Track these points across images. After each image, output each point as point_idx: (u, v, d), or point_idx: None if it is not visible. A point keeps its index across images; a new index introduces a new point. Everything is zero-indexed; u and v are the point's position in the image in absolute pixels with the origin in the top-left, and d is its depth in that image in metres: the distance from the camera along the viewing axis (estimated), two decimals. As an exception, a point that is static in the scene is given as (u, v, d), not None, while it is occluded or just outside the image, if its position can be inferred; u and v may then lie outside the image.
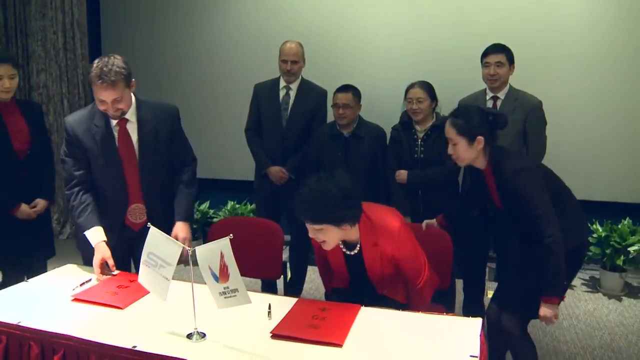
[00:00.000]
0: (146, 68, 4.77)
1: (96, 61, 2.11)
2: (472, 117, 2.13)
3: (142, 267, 1.82)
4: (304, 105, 3.44)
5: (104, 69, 2.07)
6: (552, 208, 2.05)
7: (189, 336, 1.71)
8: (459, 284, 3.09)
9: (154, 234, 1.78)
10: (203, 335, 1.71)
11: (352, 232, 1.95)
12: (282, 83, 3.48)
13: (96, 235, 2.24)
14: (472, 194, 2.57)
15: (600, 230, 3.77)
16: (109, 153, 2.27)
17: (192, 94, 4.71)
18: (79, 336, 1.71)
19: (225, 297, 1.71)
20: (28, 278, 2.48)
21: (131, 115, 2.27)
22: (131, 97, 2.26)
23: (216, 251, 1.66)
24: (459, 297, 3.07)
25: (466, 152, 2.14)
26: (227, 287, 1.69)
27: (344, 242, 2.04)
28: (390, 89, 4.04)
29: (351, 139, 3.24)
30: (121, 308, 1.93)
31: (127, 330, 1.76)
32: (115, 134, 2.27)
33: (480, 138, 2.11)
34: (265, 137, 3.45)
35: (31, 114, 2.87)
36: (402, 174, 3.15)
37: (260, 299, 1.94)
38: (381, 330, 1.77)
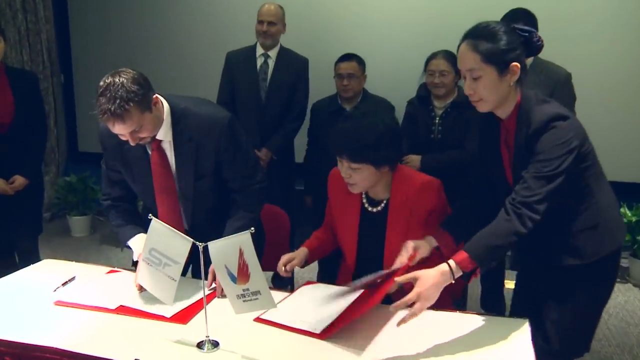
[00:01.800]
0: (117, 33, 4.54)
1: (100, 84, 1.73)
2: (501, 35, 1.59)
3: (141, 265, 1.67)
4: (285, 75, 3.34)
5: (108, 95, 1.69)
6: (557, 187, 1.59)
7: (200, 345, 1.58)
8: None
9: (157, 227, 1.62)
10: (216, 344, 1.58)
11: (382, 184, 1.89)
12: (260, 51, 3.35)
13: (138, 245, 1.99)
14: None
15: (630, 215, 3.70)
16: (142, 178, 1.97)
17: (162, 63, 4.54)
18: (67, 348, 1.56)
19: (244, 301, 1.58)
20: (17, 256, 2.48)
21: (165, 133, 1.91)
22: (158, 116, 1.86)
23: (234, 247, 1.51)
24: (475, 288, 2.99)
25: (495, 88, 1.60)
26: (247, 290, 1.55)
27: (367, 197, 1.94)
28: (402, 58, 3.89)
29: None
30: (114, 311, 1.78)
31: (126, 340, 1.62)
32: (150, 153, 1.95)
33: (516, 65, 1.60)
34: (240, 112, 3.32)
35: (21, 85, 2.82)
36: (413, 160, 2.98)
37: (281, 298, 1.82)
38: (420, 334, 1.65)
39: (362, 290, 1.74)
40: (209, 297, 1.84)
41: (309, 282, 2.00)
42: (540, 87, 2.78)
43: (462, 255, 1.56)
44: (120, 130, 1.75)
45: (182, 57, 4.55)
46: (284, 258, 1.93)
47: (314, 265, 3.56)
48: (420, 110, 3.01)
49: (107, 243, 4.52)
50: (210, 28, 4.41)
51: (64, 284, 1.96)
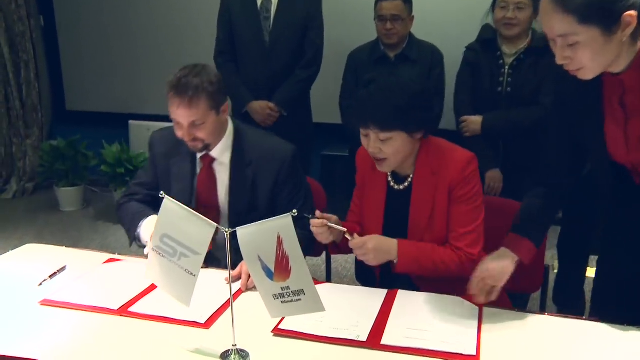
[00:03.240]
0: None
1: (181, 69, 1.95)
2: None
3: (151, 255, 1.54)
4: (293, 11, 3.23)
5: (183, 79, 1.90)
6: None
7: (225, 356, 1.50)
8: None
9: (170, 208, 1.48)
10: (245, 356, 1.51)
11: (410, 158, 1.90)
12: None
13: (149, 228, 2.01)
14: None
15: None
16: (182, 197, 1.98)
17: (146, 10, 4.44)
18: (56, 360, 1.48)
19: (283, 302, 1.45)
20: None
21: (221, 152, 2.07)
22: (224, 127, 2.05)
23: (270, 234, 1.37)
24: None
25: (601, 51, 1.38)
26: (287, 288, 1.43)
27: (393, 173, 1.96)
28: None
29: (399, 62, 3.07)
30: (117, 312, 1.69)
31: (131, 349, 1.53)
32: (198, 173, 2.09)
33: (631, 14, 1.34)
34: (242, 60, 3.27)
35: None
36: (473, 122, 2.86)
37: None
38: (514, 339, 1.59)
39: (386, 291, 1.82)
40: (235, 295, 1.77)
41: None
42: None
43: None
44: (182, 115, 1.90)
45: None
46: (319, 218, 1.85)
47: (351, 263, 3.45)
48: (484, 57, 2.86)
49: (103, 219, 4.46)
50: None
51: (51, 276, 1.87)
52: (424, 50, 3.08)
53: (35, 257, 2.03)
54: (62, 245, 2.14)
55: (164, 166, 2.13)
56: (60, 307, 1.71)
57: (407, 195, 1.92)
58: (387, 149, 1.80)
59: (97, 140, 4.52)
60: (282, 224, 1.36)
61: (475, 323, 1.63)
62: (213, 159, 2.06)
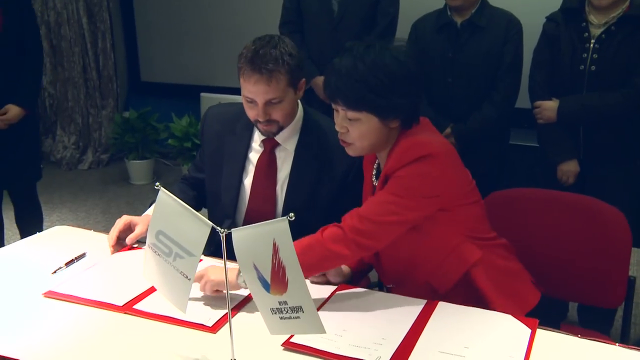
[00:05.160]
0: None
1: (254, 40, 1.83)
2: None
3: (147, 253, 1.45)
4: None
5: (260, 50, 1.77)
6: None
7: None
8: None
9: (165, 202, 1.37)
10: None
11: (389, 149, 1.74)
12: None
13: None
14: None
15: None
16: (230, 185, 1.99)
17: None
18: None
19: (281, 318, 1.32)
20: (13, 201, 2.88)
21: (286, 138, 1.94)
22: (297, 107, 1.93)
23: (266, 239, 1.24)
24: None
25: None
26: (285, 303, 1.29)
27: (378, 168, 1.83)
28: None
29: (466, 30, 2.78)
30: (120, 309, 1.60)
31: (129, 352, 1.45)
32: (252, 159, 1.98)
33: None
34: (308, 31, 3.20)
35: None
36: (547, 109, 2.56)
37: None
38: None
39: (425, 301, 1.66)
40: (247, 298, 1.64)
41: (343, 286, 1.74)
42: None
43: None
44: (259, 92, 1.77)
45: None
46: None
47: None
48: (565, 29, 2.52)
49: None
50: None
51: (67, 264, 1.81)
52: (497, 18, 2.77)
53: (61, 241, 1.99)
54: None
55: (216, 146, 2.02)
56: (62, 300, 1.64)
57: None
58: (353, 130, 1.67)
59: (169, 112, 4.55)
60: (278, 229, 1.21)
61: (523, 350, 1.43)
62: (276, 144, 1.94)
